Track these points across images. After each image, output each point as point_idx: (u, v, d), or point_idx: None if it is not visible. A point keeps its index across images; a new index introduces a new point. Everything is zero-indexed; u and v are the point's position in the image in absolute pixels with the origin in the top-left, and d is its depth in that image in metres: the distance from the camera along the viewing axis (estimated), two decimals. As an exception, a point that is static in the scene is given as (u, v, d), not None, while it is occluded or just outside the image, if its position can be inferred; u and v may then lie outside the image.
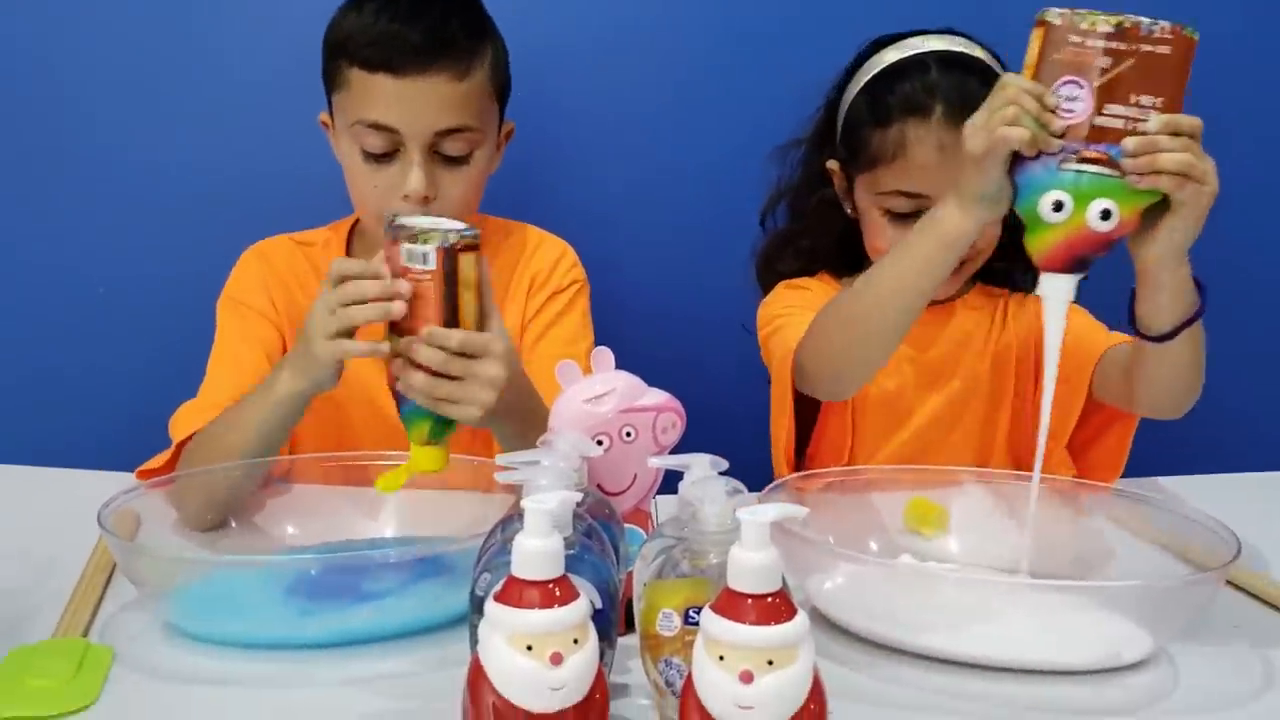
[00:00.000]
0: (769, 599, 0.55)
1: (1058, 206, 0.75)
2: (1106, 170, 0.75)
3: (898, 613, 0.74)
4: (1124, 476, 1.06)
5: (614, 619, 0.65)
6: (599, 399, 0.74)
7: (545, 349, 1.09)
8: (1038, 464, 0.80)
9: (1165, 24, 0.74)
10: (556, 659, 0.55)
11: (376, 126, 1.00)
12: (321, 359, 0.82)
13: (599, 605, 0.62)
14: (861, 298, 0.93)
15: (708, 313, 1.36)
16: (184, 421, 0.99)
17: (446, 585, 0.74)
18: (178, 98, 1.33)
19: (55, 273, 1.36)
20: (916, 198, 1.02)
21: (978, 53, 1.06)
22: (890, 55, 1.07)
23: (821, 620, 0.76)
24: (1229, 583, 0.83)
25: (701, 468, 0.66)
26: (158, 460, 0.99)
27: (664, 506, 0.79)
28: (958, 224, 0.84)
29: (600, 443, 0.74)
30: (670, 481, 0.76)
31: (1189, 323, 0.86)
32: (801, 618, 0.55)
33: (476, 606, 0.64)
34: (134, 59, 1.32)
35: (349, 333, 0.82)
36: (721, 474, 0.66)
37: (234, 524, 0.87)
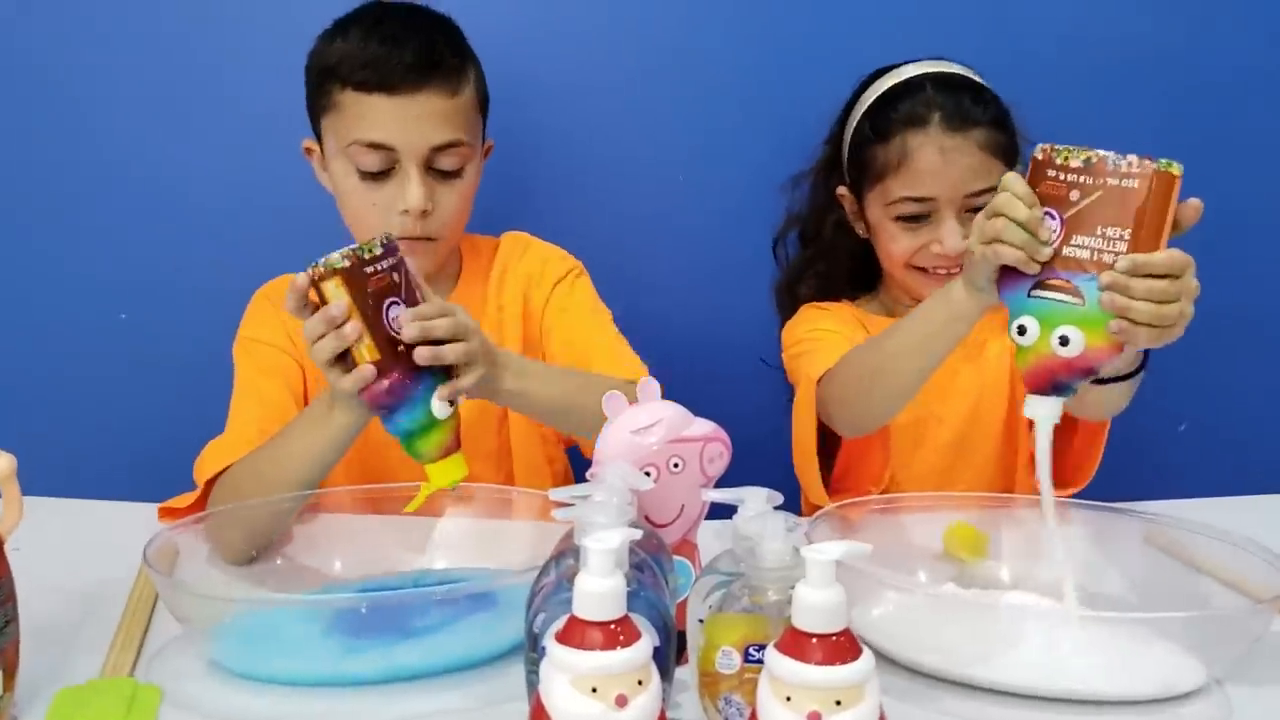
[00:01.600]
0: (835, 638, 0.55)
1: (1021, 330, 0.78)
2: (1068, 298, 0.77)
3: (947, 643, 0.73)
4: (1149, 499, 1.06)
5: (671, 654, 0.65)
6: (646, 430, 0.74)
7: (570, 321, 1.12)
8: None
9: (1133, 158, 0.76)
10: (621, 701, 0.54)
11: (373, 145, 1.02)
12: (337, 392, 0.84)
13: (656, 642, 0.62)
14: (880, 351, 1.00)
15: (727, 340, 1.36)
16: (212, 460, 0.98)
17: (493, 621, 0.74)
18: (207, 126, 1.33)
19: (78, 300, 1.36)
20: (923, 201, 1.10)
21: (967, 73, 1.14)
22: (888, 81, 1.15)
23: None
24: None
25: (757, 502, 0.66)
26: (183, 500, 0.98)
27: (705, 534, 0.78)
28: (963, 301, 0.89)
29: (648, 474, 0.73)
30: (714, 512, 0.76)
31: (1127, 377, 0.92)
32: (867, 656, 0.55)
33: (533, 644, 0.63)
34: (164, 87, 1.32)
35: (336, 364, 0.82)
36: (776, 509, 0.65)
37: (278, 559, 0.87)
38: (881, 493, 1.11)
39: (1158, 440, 1.45)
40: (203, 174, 1.34)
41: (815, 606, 0.54)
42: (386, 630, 0.73)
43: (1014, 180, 0.80)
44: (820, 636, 0.54)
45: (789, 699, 0.54)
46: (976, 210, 1.04)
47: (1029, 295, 0.79)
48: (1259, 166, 1.43)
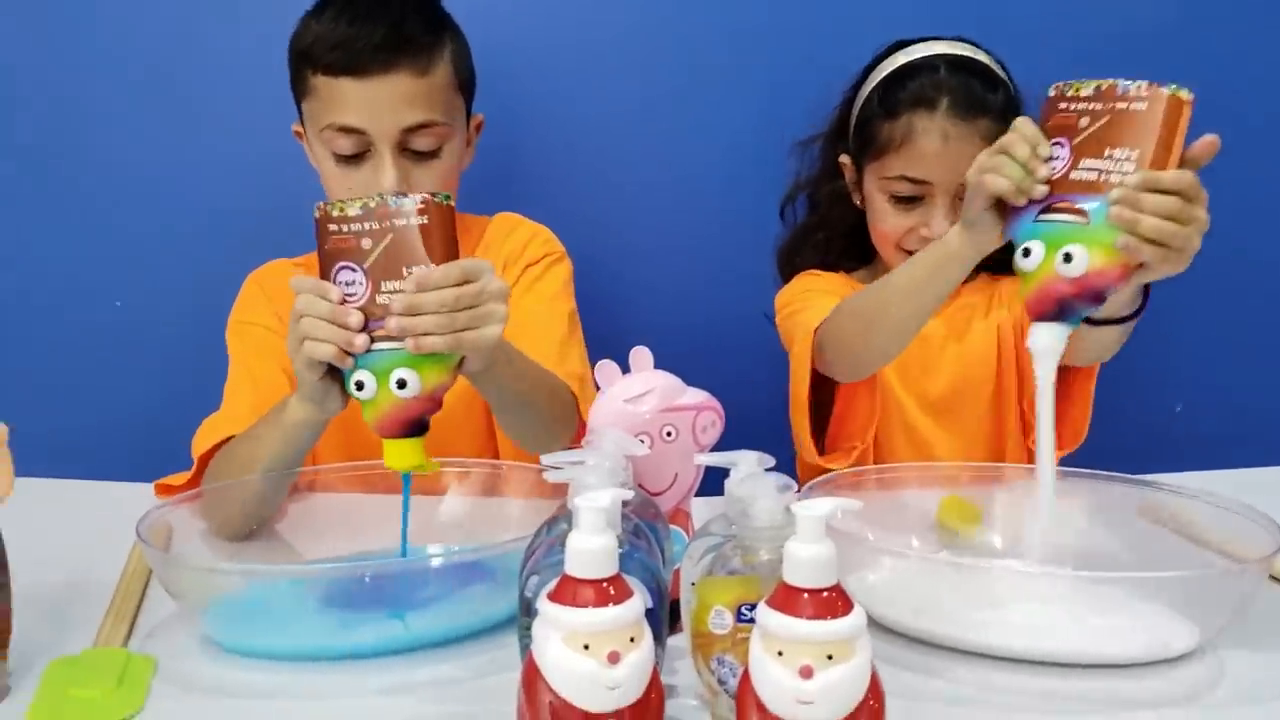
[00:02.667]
0: (826, 593, 0.55)
1: (1026, 253, 0.78)
2: (1073, 218, 0.77)
3: (940, 608, 0.73)
4: (1144, 472, 1.07)
5: (664, 618, 0.65)
6: (639, 399, 0.74)
7: (527, 305, 1.09)
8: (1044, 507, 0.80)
9: (1142, 83, 0.77)
10: (614, 658, 0.55)
11: (345, 130, 1.02)
12: (302, 376, 0.80)
13: (649, 604, 0.62)
14: (878, 296, 1.00)
15: (727, 306, 1.37)
16: (206, 437, 0.99)
17: (490, 592, 0.74)
18: (200, 112, 1.33)
19: (73, 285, 1.36)
20: (918, 183, 1.10)
21: (983, 58, 1.13)
22: (902, 58, 1.14)
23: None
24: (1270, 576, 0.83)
25: (748, 464, 0.66)
26: (179, 478, 0.98)
27: (699, 508, 0.79)
28: (958, 245, 0.90)
29: (641, 442, 0.73)
30: (707, 484, 0.76)
31: (1122, 320, 0.92)
32: (859, 611, 0.55)
33: (525, 609, 0.63)
34: (155, 76, 1.32)
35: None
36: (768, 470, 0.65)
37: (270, 538, 0.86)
38: (862, 457, 1.13)
39: (1155, 420, 1.45)
40: (198, 161, 1.34)
41: (806, 561, 0.55)
42: (382, 603, 0.73)
43: (1024, 122, 0.81)
44: (811, 591, 0.55)
45: (780, 654, 0.54)
46: None
47: (1033, 221, 0.79)
48: (1259, 153, 1.43)
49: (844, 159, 1.18)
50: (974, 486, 0.92)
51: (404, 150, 1.03)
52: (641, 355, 0.76)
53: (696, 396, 0.76)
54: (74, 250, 1.36)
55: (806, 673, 0.53)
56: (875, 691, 0.55)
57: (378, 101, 1.00)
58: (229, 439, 0.95)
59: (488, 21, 1.33)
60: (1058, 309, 0.77)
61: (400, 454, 0.78)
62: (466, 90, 1.09)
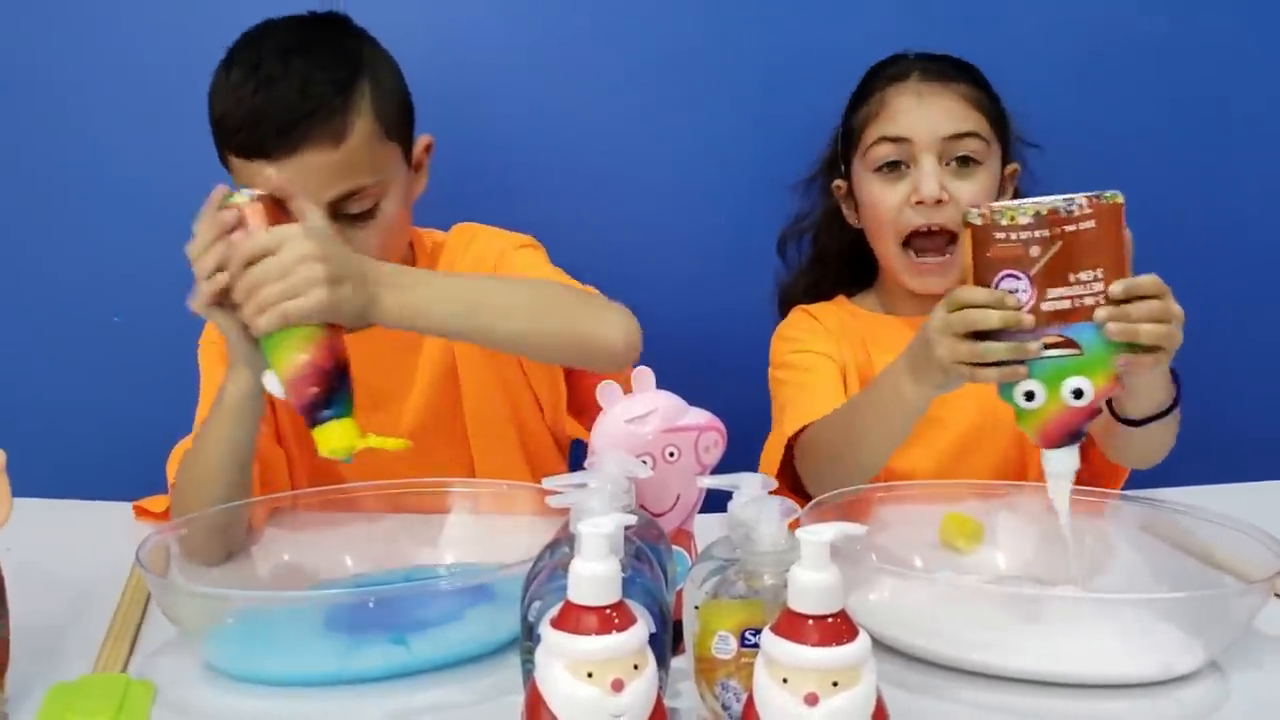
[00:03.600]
0: (831, 619, 0.54)
1: (1029, 396, 0.78)
2: (1067, 351, 0.77)
3: (945, 628, 0.73)
4: (1148, 486, 1.06)
5: (667, 642, 0.64)
6: (641, 419, 0.74)
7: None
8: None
9: (1082, 199, 0.76)
10: (618, 685, 0.54)
11: None
12: (239, 344, 0.83)
13: (653, 629, 0.61)
14: (842, 436, 0.98)
15: (730, 326, 1.36)
16: (174, 460, 0.98)
17: (494, 613, 0.73)
18: (199, 125, 1.33)
19: (71, 302, 1.36)
20: (899, 142, 1.08)
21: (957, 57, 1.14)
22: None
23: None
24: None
25: (752, 487, 0.66)
26: (157, 502, 0.97)
27: (702, 525, 0.78)
28: (912, 397, 0.89)
29: (644, 463, 0.73)
30: (710, 503, 0.76)
31: (1162, 414, 0.91)
32: (863, 638, 0.55)
33: (528, 633, 0.63)
34: (160, 89, 1.32)
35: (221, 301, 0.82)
36: (771, 493, 0.65)
37: (273, 559, 0.86)
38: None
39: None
40: (199, 174, 1.33)
41: (810, 588, 0.54)
42: (384, 626, 0.72)
43: (967, 291, 0.79)
44: (816, 618, 0.54)
45: (785, 681, 0.54)
46: (957, 159, 1.07)
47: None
48: (1254, 162, 1.43)
49: (838, 182, 1.17)
50: (976, 503, 0.91)
51: (336, 215, 0.95)
52: (643, 375, 0.76)
53: (699, 417, 0.76)
54: (71, 267, 1.36)
55: (812, 700, 0.53)
56: (881, 717, 0.55)
57: (293, 182, 0.92)
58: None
59: (476, 39, 1.34)
60: (1071, 436, 0.78)
61: (333, 436, 0.77)
62: (398, 129, 1.01)
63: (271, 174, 0.91)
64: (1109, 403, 0.91)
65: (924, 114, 1.07)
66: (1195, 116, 1.41)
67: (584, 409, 1.12)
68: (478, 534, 0.87)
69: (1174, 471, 1.02)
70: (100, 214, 1.35)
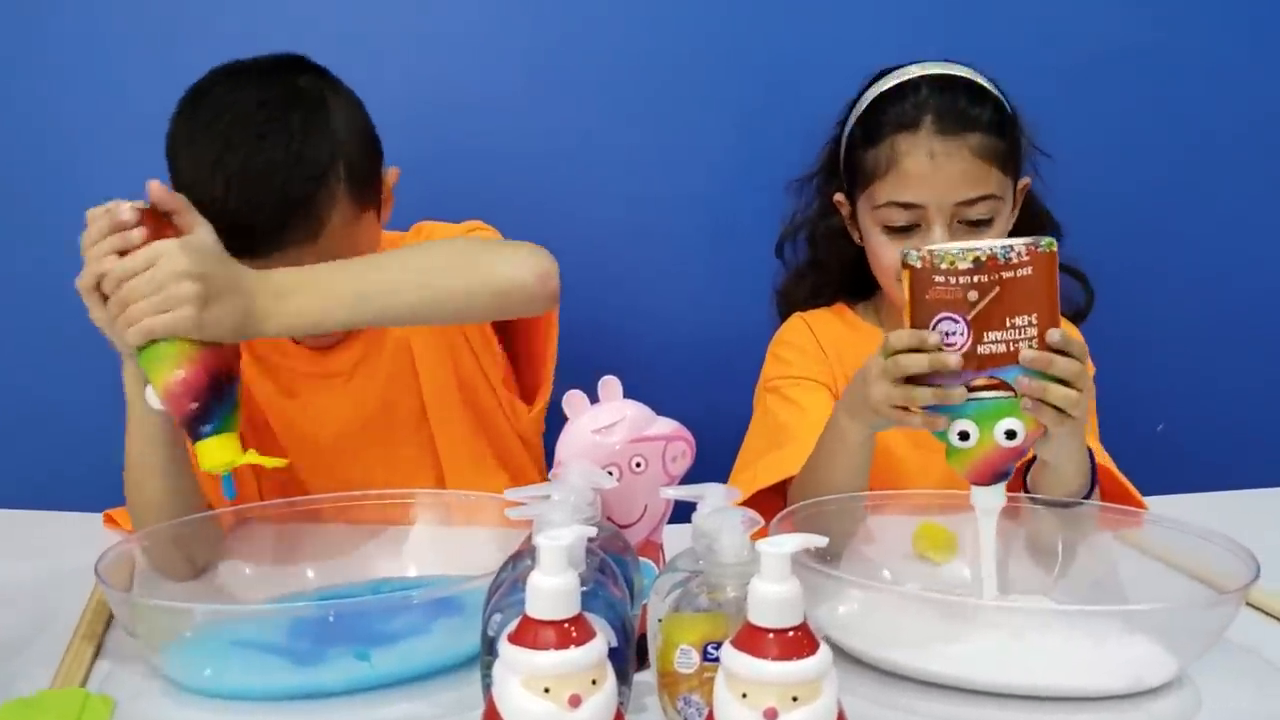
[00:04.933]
0: (791, 633, 0.54)
1: (964, 436, 0.79)
2: (1001, 394, 0.78)
3: (912, 640, 0.72)
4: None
5: (629, 656, 0.64)
6: (608, 429, 0.73)
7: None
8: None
9: (1020, 246, 0.77)
10: (575, 701, 0.53)
11: None
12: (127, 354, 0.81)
13: (614, 643, 0.61)
14: (813, 474, 0.97)
15: (711, 341, 1.36)
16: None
17: (457, 626, 0.72)
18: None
19: (36, 308, 1.34)
20: (910, 208, 1.05)
21: (969, 74, 1.09)
22: (887, 83, 1.10)
23: (832, 649, 0.74)
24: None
25: (716, 498, 0.65)
26: (124, 515, 0.96)
27: (672, 537, 0.78)
28: (853, 435, 0.90)
29: (610, 474, 0.72)
30: (679, 513, 0.75)
31: (1086, 493, 0.91)
32: (824, 651, 0.54)
33: (488, 647, 0.62)
34: (132, 91, 1.31)
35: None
36: (736, 504, 0.64)
37: (235, 572, 0.85)
38: None
39: (1135, 440, 1.44)
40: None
41: (770, 600, 0.54)
42: (346, 640, 0.71)
43: (899, 336, 0.80)
44: (776, 631, 0.53)
45: (745, 695, 0.53)
46: (967, 222, 1.04)
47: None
48: (1239, 166, 1.43)
49: (839, 197, 1.13)
50: (949, 513, 0.90)
51: None
52: (610, 385, 0.75)
53: (666, 426, 0.75)
54: (37, 272, 1.34)
55: (770, 715, 0.52)
56: (842, 732, 0.54)
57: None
58: None
59: (466, 40, 1.33)
60: (1000, 475, 0.80)
61: (211, 453, 0.76)
62: (372, 192, 0.98)
63: (157, 185, 0.83)
64: (1023, 478, 0.93)
65: (938, 180, 1.02)
66: (1184, 125, 1.41)
67: (527, 387, 1.11)
68: (444, 545, 0.86)
69: (1147, 480, 1.02)
70: (71, 220, 1.34)
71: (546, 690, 0.53)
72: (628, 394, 0.75)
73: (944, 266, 0.77)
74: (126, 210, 0.79)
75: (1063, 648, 0.71)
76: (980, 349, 0.78)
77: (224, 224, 0.85)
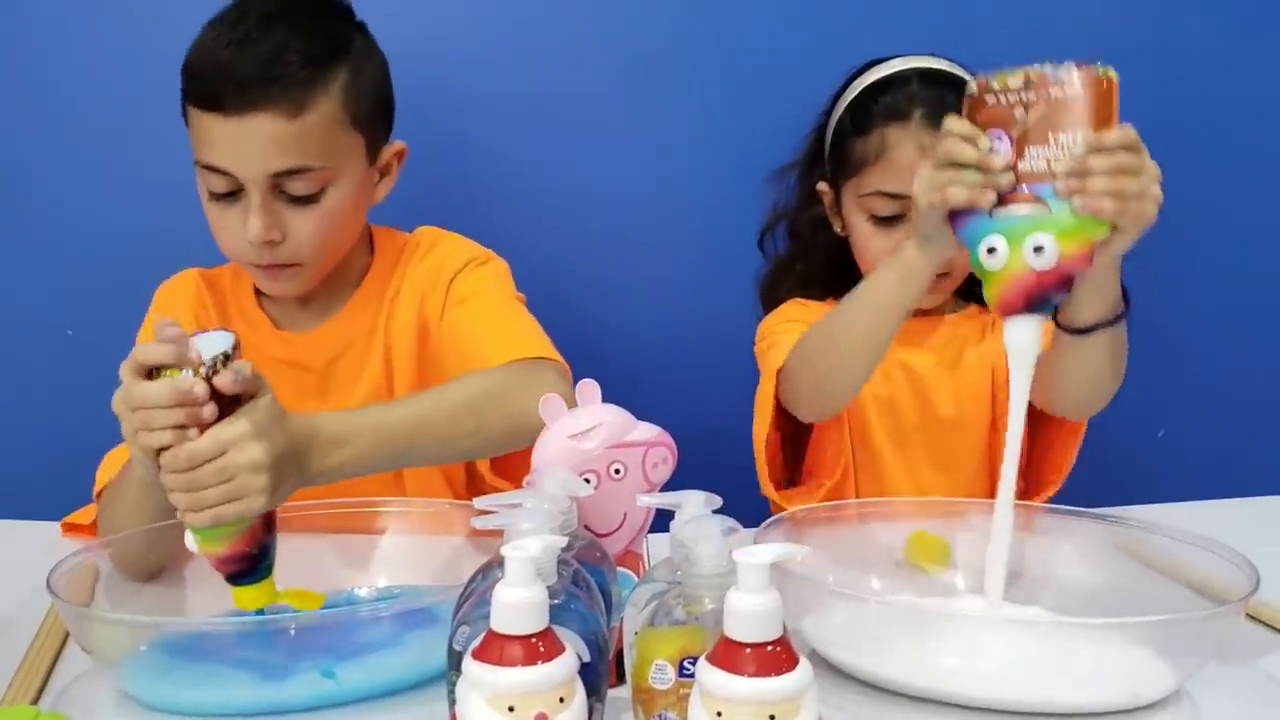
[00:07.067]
0: (769, 647, 0.51)
1: (991, 251, 0.77)
2: (1033, 208, 0.76)
3: (902, 654, 0.70)
4: (1129, 504, 1.04)
5: (603, 672, 0.61)
6: (585, 435, 0.70)
7: (461, 317, 1.03)
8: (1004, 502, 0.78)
9: (1072, 66, 0.76)
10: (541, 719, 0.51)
11: (212, 168, 0.94)
12: (135, 463, 0.74)
13: (587, 658, 0.58)
14: (834, 325, 0.97)
15: (703, 340, 1.34)
16: (106, 470, 0.94)
17: (428, 639, 0.69)
18: (148, 139, 1.29)
19: (23, 316, 1.32)
20: (898, 198, 1.05)
21: (958, 71, 1.09)
22: (874, 75, 1.11)
23: (820, 662, 0.72)
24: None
25: (694, 505, 0.62)
26: (85, 515, 0.94)
27: (656, 546, 0.75)
28: (914, 259, 0.89)
29: (588, 481, 0.70)
30: (662, 521, 0.73)
31: (1110, 323, 0.89)
32: (804, 667, 0.51)
33: (455, 663, 0.59)
34: (107, 100, 1.30)
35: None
36: (716, 512, 0.62)
37: (194, 583, 0.82)
38: (834, 494, 1.08)
39: (1137, 446, 1.42)
40: (152, 187, 1.31)
41: (747, 613, 0.51)
42: (310, 654, 0.69)
43: (954, 121, 0.80)
44: (754, 646, 0.51)
45: (720, 715, 0.50)
46: None
47: (990, 217, 0.78)
48: (1238, 173, 1.41)
49: (822, 185, 1.14)
50: (942, 521, 0.88)
51: (278, 193, 0.94)
52: (588, 389, 0.72)
53: (647, 432, 0.72)
54: (22, 280, 1.32)
55: (747, 736, 0.50)
56: (823, 752, 0.52)
57: (241, 142, 0.92)
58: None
59: (449, 38, 1.31)
60: (1031, 302, 0.77)
61: (247, 598, 0.74)
62: (368, 122, 0.99)
63: (220, 130, 0.90)
64: (1054, 316, 0.89)
65: None
66: (1183, 130, 1.39)
67: None
68: (415, 555, 0.84)
69: (1145, 488, 0.99)
70: (44, 224, 1.32)
71: (511, 709, 0.51)
72: (607, 398, 0.73)
73: (996, 86, 0.77)
74: (200, 386, 0.70)
75: (1058, 660, 0.68)
76: (1021, 165, 0.77)
77: (210, 70, 0.89)
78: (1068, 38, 1.35)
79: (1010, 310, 0.77)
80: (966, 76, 1.08)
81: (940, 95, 1.05)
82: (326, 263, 1.01)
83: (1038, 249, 0.75)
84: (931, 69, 1.09)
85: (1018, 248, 0.76)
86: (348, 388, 1.05)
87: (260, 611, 0.74)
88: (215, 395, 0.71)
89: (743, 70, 1.34)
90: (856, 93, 1.11)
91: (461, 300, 1.04)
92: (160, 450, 0.71)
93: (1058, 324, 0.90)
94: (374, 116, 1.00)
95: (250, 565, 0.74)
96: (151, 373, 0.72)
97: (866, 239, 1.08)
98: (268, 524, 0.75)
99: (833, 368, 0.98)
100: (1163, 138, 1.36)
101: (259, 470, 0.72)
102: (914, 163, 1.02)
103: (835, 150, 1.11)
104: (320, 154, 0.94)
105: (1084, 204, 0.75)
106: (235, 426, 0.72)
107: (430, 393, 0.91)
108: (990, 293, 0.78)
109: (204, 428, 0.71)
